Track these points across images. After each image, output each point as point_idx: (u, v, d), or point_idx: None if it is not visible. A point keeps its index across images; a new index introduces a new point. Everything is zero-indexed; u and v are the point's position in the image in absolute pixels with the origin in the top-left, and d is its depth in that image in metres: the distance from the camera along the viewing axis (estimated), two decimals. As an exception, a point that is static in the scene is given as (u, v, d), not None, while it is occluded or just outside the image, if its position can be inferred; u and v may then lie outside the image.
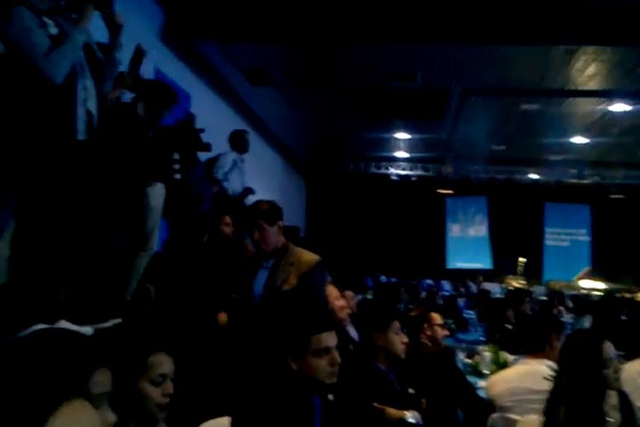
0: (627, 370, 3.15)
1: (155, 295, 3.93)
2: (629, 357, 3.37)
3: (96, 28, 2.63)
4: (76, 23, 2.47)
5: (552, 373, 2.47)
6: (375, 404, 2.65)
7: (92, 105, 2.51)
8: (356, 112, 10.64)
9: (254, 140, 10.19)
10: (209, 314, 3.10)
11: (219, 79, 8.50)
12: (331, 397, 2.16)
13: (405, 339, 3.00)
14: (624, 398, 2.41)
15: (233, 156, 5.83)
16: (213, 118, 7.17)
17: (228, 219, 4.40)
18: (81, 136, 2.45)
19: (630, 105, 9.68)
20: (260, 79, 8.53)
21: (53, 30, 2.39)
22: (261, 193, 6.43)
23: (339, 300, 3.50)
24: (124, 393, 1.63)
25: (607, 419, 2.28)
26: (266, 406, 2.04)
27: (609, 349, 2.48)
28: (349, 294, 4.41)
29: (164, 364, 1.73)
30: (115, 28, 2.61)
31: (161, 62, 6.36)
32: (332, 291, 3.47)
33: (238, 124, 8.58)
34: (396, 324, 2.98)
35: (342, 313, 3.48)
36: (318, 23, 6.84)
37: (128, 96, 3.78)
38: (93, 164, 2.67)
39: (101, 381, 1.34)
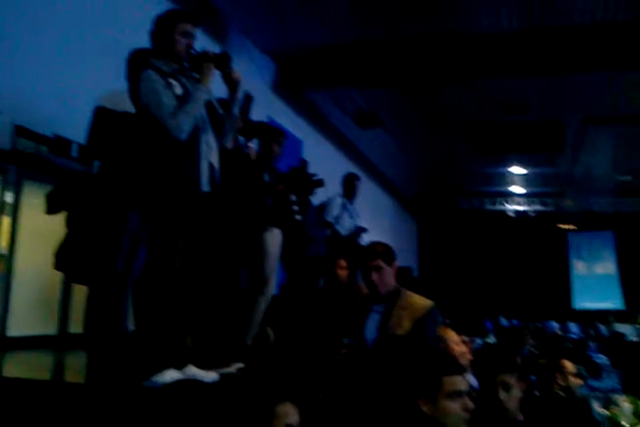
0: None
1: (274, 339, 3.98)
2: None
3: (214, 84, 2.78)
4: (198, 82, 2.63)
5: None
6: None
7: (214, 158, 2.65)
8: (467, 148, 10.49)
9: (363, 181, 10.30)
10: (326, 359, 3.08)
11: (328, 124, 8.74)
12: None
13: (519, 394, 2.76)
14: None
15: (341, 199, 5.89)
16: (324, 162, 7.35)
17: (343, 262, 4.40)
18: (205, 188, 2.58)
19: None
20: (369, 122, 8.67)
21: (178, 91, 2.56)
22: (372, 234, 6.41)
23: (459, 345, 3.35)
24: None
25: None
26: None
27: None
28: (465, 338, 4.22)
29: (290, 414, 1.73)
30: (233, 85, 2.75)
31: (273, 111, 6.65)
32: (452, 336, 3.33)
33: (348, 166, 8.72)
34: (507, 378, 2.79)
35: (463, 359, 3.32)
36: (427, 63, 6.90)
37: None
38: (216, 213, 2.80)
39: None
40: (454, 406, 2.01)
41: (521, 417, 2.69)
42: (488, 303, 13.85)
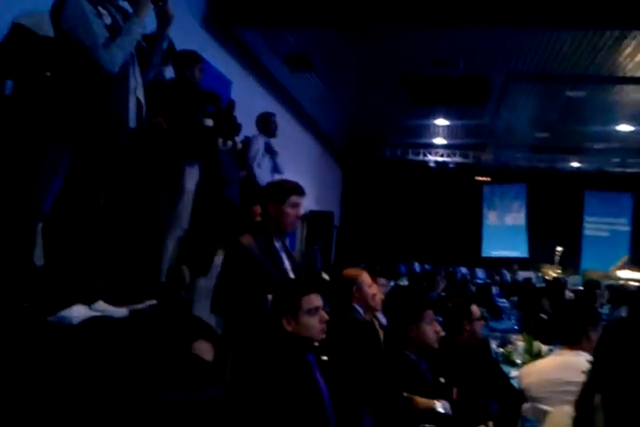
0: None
1: (190, 277, 4.00)
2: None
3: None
4: (133, 15, 2.52)
5: (588, 365, 2.46)
6: (405, 393, 2.69)
7: (141, 93, 2.59)
8: (396, 98, 10.58)
9: (291, 124, 10.24)
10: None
11: (258, 65, 8.54)
12: (325, 358, 2.30)
13: (438, 328, 3.02)
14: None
15: (263, 140, 5.76)
16: (253, 103, 7.22)
17: (258, 209, 4.38)
18: (132, 124, 2.53)
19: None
20: (300, 65, 8.53)
21: (107, 20, 2.45)
22: (296, 177, 6.45)
23: (371, 287, 3.51)
24: None
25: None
26: (267, 368, 2.17)
27: None
28: (382, 281, 4.43)
29: (205, 351, 1.77)
30: (165, 20, 2.66)
31: (201, 48, 6.41)
32: (365, 278, 3.48)
33: (276, 108, 8.61)
34: (429, 313, 3.01)
35: (375, 301, 3.50)
36: (361, 7, 6.80)
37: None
38: (141, 148, 2.76)
39: None
40: (313, 321, 2.27)
41: (436, 346, 3.00)
42: (404, 249, 14.46)
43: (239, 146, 5.06)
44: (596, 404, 2.34)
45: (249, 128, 5.84)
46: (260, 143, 5.67)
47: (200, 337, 1.78)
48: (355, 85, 10.22)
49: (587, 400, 2.36)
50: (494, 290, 9.25)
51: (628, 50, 7.89)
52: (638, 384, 2.31)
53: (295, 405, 2.11)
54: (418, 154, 15.20)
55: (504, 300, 8.08)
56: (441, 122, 12.61)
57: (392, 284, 8.56)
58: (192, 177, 3.86)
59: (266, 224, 2.87)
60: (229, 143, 4.68)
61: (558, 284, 9.02)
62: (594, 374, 2.42)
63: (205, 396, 0.90)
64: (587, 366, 2.49)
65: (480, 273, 13.59)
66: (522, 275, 11.89)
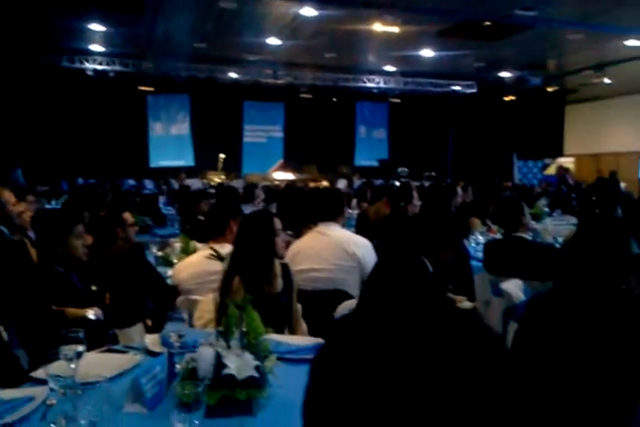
0: (295, 245, 3.85)
1: None
2: (297, 236, 3.98)
3: None
4: None
5: (220, 254, 2.85)
6: (54, 306, 2.75)
7: None
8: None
9: None
10: None
11: None
12: None
13: (88, 241, 3.09)
14: (285, 268, 2.93)
15: None
16: None
17: None
18: None
19: (317, 10, 10.39)
20: None
21: None
22: None
23: (17, 206, 3.40)
24: None
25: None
26: None
27: (277, 222, 2.99)
28: (31, 198, 4.29)
29: None
30: None
31: None
32: (8, 197, 3.36)
33: None
34: (79, 228, 3.05)
35: (22, 219, 3.40)
36: None
37: None
38: None
39: None
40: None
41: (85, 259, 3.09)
42: (65, 164, 13.67)
43: None
44: (235, 285, 2.78)
45: None
46: None
47: None
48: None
49: (227, 283, 2.77)
50: (162, 199, 9.53)
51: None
52: (270, 264, 2.82)
53: None
54: (73, 61, 14.08)
55: (170, 208, 8.40)
56: (96, 27, 11.81)
57: (54, 202, 8.17)
58: None
59: None
60: None
61: (221, 187, 9.67)
62: (233, 259, 2.83)
63: None
64: (223, 255, 2.86)
65: (148, 184, 13.73)
66: (189, 183, 12.37)
